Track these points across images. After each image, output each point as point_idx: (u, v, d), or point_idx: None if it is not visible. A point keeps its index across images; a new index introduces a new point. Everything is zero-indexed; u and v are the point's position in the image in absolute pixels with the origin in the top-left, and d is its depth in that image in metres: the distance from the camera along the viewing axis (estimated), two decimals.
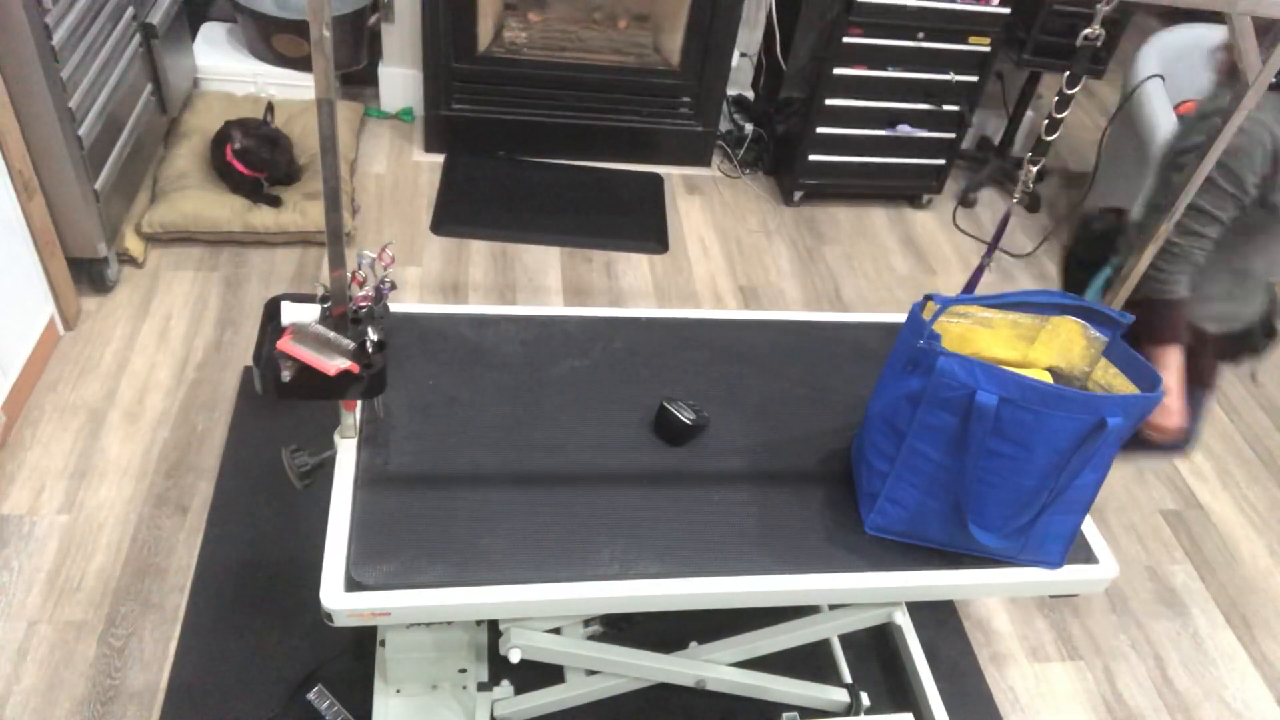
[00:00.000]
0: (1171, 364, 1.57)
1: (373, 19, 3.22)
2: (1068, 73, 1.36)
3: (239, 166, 2.76)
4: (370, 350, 1.33)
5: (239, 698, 1.83)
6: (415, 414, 1.49)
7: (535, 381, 1.58)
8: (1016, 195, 1.57)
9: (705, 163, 3.54)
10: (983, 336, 1.45)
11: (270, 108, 2.88)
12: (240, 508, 2.14)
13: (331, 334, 1.32)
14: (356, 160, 3.23)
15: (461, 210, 3.11)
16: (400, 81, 3.44)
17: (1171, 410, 1.58)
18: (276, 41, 3.17)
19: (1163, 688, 2.17)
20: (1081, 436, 1.27)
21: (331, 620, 1.25)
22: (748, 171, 3.55)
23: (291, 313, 1.34)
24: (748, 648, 1.72)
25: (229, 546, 2.07)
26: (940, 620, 2.20)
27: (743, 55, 3.57)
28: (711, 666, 1.70)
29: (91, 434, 2.25)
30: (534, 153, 3.41)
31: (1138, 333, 1.48)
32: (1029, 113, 3.70)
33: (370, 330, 1.34)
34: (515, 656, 1.49)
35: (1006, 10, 3.02)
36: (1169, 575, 2.43)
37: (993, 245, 1.57)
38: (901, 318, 1.88)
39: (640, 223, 3.22)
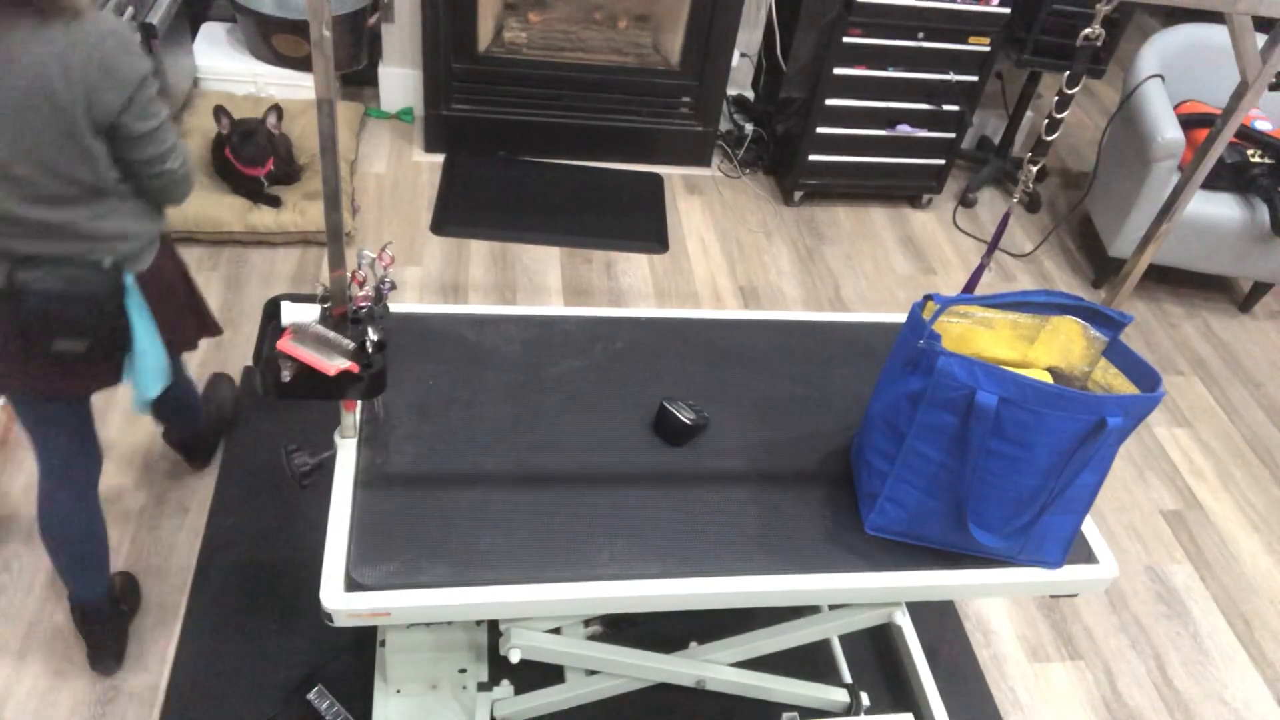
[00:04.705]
0: None
1: (373, 19, 3.22)
2: (1068, 73, 1.37)
3: (238, 166, 2.76)
4: (370, 350, 1.33)
5: (239, 698, 1.83)
6: (415, 414, 1.49)
7: (535, 381, 1.58)
8: (1016, 195, 1.57)
9: (705, 163, 3.54)
10: (983, 336, 1.46)
11: (277, 110, 2.83)
12: (240, 508, 2.14)
13: (331, 334, 1.32)
14: (356, 160, 3.23)
15: (461, 210, 3.11)
16: (400, 81, 3.44)
17: None
18: (276, 41, 3.17)
19: (1163, 688, 2.17)
20: (1081, 436, 1.27)
21: (331, 620, 1.25)
22: (748, 171, 3.55)
23: (291, 313, 1.34)
24: (748, 648, 1.72)
25: (229, 546, 2.07)
26: (940, 620, 2.20)
27: (743, 55, 3.56)
28: (711, 666, 1.70)
29: None
30: (534, 153, 3.41)
31: None
32: (1029, 113, 3.70)
33: (370, 330, 1.34)
34: (515, 656, 1.49)
35: (1006, 10, 3.02)
36: (1169, 575, 2.43)
37: (993, 245, 1.57)
38: (901, 318, 1.88)
39: (640, 223, 3.22)
